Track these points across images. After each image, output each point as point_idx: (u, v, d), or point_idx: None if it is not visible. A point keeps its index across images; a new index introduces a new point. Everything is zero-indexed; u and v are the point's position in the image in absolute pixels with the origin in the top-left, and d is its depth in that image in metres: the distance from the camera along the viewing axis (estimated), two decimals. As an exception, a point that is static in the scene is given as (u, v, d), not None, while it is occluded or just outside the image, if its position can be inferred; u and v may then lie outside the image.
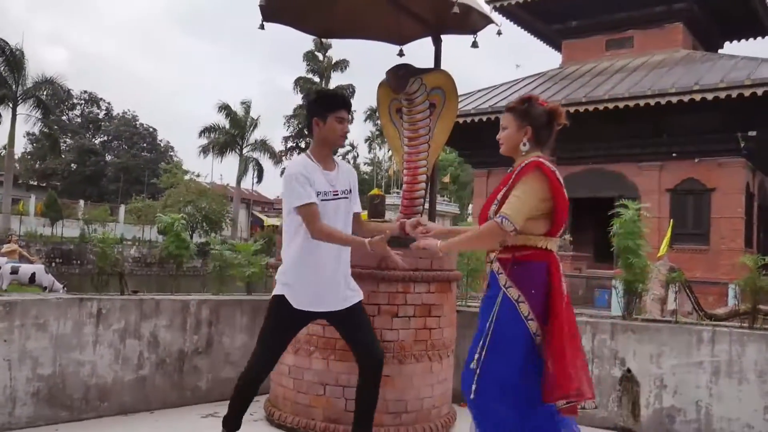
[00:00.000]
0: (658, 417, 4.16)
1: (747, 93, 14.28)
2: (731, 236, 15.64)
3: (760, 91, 14.14)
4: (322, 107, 3.27)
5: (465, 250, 2.77)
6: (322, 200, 3.14)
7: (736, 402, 3.97)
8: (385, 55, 5.75)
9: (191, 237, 30.09)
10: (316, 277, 3.15)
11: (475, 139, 18.55)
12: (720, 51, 21.35)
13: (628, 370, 4.26)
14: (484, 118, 17.20)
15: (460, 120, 17.55)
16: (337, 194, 3.21)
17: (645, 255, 4.43)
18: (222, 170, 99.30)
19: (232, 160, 41.10)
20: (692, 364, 4.09)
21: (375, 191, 5.34)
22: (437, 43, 5.38)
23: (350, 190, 3.30)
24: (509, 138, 2.83)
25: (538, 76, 20.09)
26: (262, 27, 5.16)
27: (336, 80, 41.39)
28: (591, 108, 16.14)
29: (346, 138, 3.45)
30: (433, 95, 4.84)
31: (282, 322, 3.19)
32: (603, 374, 4.35)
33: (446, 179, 43.55)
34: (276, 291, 3.22)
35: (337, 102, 3.33)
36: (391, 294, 3.92)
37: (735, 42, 22.78)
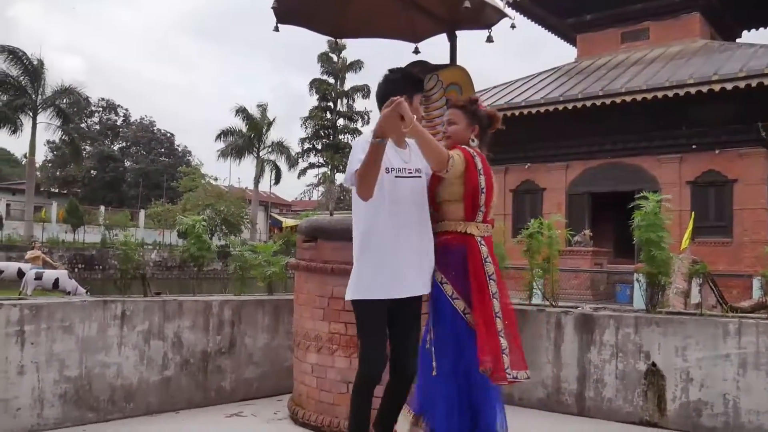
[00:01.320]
0: (684, 411, 4.11)
1: (767, 82, 14.08)
2: (754, 228, 15.41)
3: (780, 80, 13.94)
4: (408, 86, 3.10)
5: (420, 144, 2.82)
6: (396, 177, 2.98)
7: (765, 394, 3.91)
8: (400, 55, 5.75)
9: (211, 239, 30.32)
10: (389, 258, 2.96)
11: (492, 135, 18.46)
12: (738, 40, 21.07)
13: (653, 364, 4.22)
14: (500, 114, 17.07)
15: (476, 117, 17.47)
16: (412, 173, 3.04)
17: (667, 247, 4.38)
18: (239, 173, 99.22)
19: (249, 163, 41.28)
20: (719, 357, 4.04)
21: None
22: (452, 39, 5.36)
23: (421, 170, 3.08)
24: (458, 132, 3.14)
25: (553, 71, 19.96)
26: (276, 29, 5.19)
27: (351, 81, 41.47)
28: (608, 101, 16.01)
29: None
30: (450, 91, 4.84)
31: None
32: (628, 369, 4.31)
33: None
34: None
35: (423, 83, 3.29)
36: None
37: (753, 30, 22.49)
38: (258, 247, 5.38)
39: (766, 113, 15.24)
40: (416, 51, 5.79)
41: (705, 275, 10.04)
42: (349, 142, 41.57)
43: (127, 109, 62.03)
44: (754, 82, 14.22)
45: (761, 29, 22.37)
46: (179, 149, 61.30)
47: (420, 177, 3.07)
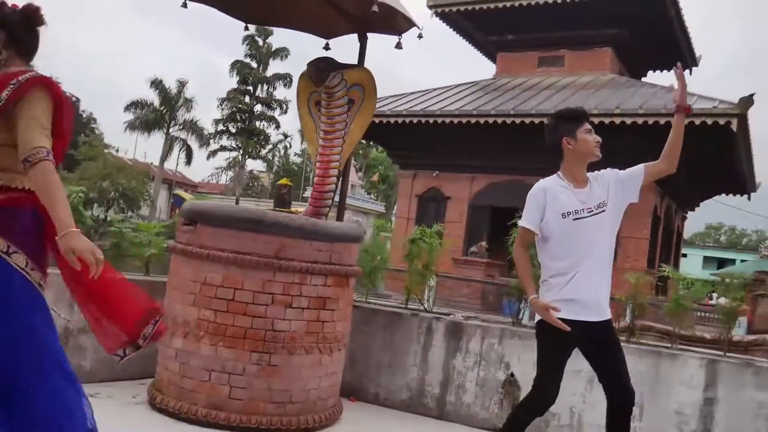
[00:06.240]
0: (535, 421, 4.32)
1: (662, 121, 14.99)
2: (635, 256, 16.39)
3: (674, 121, 14.90)
4: (567, 124, 3.25)
5: None
6: (574, 219, 3.12)
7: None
8: (346, 44, 5.76)
9: (107, 213, 29.11)
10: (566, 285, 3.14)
11: (405, 140, 18.73)
12: (643, 79, 22.33)
13: (512, 374, 4.43)
14: (415, 120, 17.36)
15: (391, 120, 17.70)
16: (592, 210, 3.15)
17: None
18: (148, 148, 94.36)
19: (159, 139, 39.72)
20: (571, 372, 4.22)
21: (283, 181, 5.34)
22: (362, 41, 5.44)
23: (607, 200, 3.20)
24: None
25: (471, 84, 20.45)
26: (184, 5, 5.08)
27: (275, 68, 40.98)
28: (518, 121, 16.57)
29: (600, 146, 3.29)
30: (353, 91, 4.91)
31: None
32: (488, 377, 4.51)
33: (375, 178, 43.78)
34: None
35: (581, 115, 3.32)
36: (287, 284, 3.93)
37: (658, 72, 23.91)
38: (140, 226, 5.22)
39: (657, 150, 16.25)
40: (327, 47, 5.82)
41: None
42: (265, 129, 40.97)
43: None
44: (650, 120, 15.13)
45: (665, 71, 23.85)
46: (84, 115, 58.33)
47: (603, 211, 3.16)
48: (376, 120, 17.96)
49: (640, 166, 3.30)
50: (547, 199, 3.16)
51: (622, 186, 3.26)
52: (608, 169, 3.33)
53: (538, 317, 3.22)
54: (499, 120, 16.91)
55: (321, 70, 4.78)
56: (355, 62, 5.24)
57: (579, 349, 3.28)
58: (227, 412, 3.77)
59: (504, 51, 21.27)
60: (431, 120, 17.34)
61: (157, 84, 38.06)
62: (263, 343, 3.85)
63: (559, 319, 3.03)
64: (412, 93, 19.49)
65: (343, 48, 5.77)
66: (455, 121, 17.28)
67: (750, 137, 16.75)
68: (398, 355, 4.80)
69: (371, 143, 32.50)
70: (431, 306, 5.08)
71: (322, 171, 4.82)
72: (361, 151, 47.40)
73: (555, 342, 3.15)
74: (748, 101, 14.47)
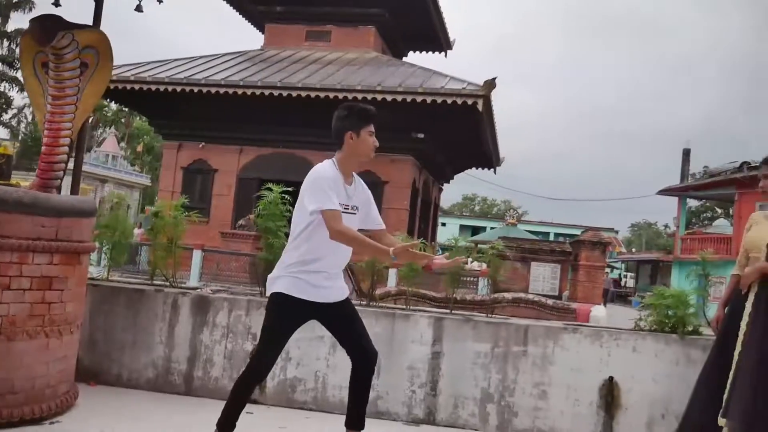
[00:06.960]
0: (282, 387, 4.47)
1: (419, 99, 16.10)
2: (397, 225, 17.45)
3: (429, 99, 16.05)
4: (356, 121, 3.29)
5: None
6: (342, 212, 3.20)
7: (348, 371, 4.43)
8: (80, 4, 5.22)
9: None
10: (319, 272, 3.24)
11: (168, 109, 17.85)
12: (404, 59, 23.69)
13: (259, 344, 4.49)
14: (178, 89, 16.59)
15: (152, 87, 16.73)
16: (348, 208, 3.25)
17: (284, 236, 4.70)
18: None
19: None
20: (314, 338, 4.46)
21: (1, 149, 4.79)
22: (98, 0, 5.05)
23: (359, 207, 3.34)
24: None
25: (238, 54, 20.06)
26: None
27: (17, 22, 36.25)
28: (285, 94, 16.64)
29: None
30: (86, 54, 4.57)
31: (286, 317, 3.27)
32: (236, 349, 4.53)
33: (140, 149, 41.13)
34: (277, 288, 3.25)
35: (371, 116, 3.35)
36: (4, 264, 3.55)
37: (418, 53, 25.50)
38: None
39: (416, 126, 17.42)
40: (56, 4, 5.31)
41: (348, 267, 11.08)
42: (7, 91, 36.30)
43: None
44: (409, 98, 16.13)
45: (424, 53, 25.53)
46: None
47: (354, 213, 3.31)
48: (135, 86, 16.87)
49: (377, 223, 3.50)
50: (334, 187, 3.23)
51: (365, 211, 3.45)
52: (366, 186, 3.50)
53: (273, 291, 3.31)
54: (266, 92, 16.84)
55: (46, 28, 4.36)
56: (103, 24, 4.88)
57: (319, 322, 3.46)
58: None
59: (272, 22, 21.16)
60: (195, 89, 16.71)
61: None
62: (-25, 331, 3.45)
63: (298, 298, 3.22)
64: (176, 60, 18.58)
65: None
66: (221, 91, 16.86)
67: (494, 116, 18.63)
68: (143, 333, 4.61)
69: (134, 112, 30.45)
70: (175, 280, 4.93)
71: (51, 140, 4.43)
72: (122, 119, 44.17)
73: (289, 319, 3.31)
74: (491, 84, 16.07)
